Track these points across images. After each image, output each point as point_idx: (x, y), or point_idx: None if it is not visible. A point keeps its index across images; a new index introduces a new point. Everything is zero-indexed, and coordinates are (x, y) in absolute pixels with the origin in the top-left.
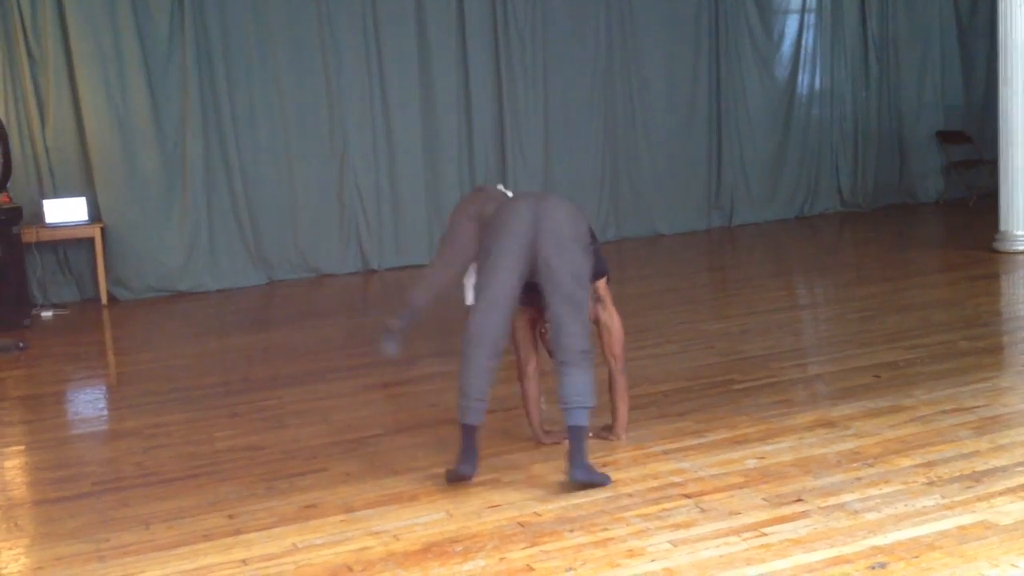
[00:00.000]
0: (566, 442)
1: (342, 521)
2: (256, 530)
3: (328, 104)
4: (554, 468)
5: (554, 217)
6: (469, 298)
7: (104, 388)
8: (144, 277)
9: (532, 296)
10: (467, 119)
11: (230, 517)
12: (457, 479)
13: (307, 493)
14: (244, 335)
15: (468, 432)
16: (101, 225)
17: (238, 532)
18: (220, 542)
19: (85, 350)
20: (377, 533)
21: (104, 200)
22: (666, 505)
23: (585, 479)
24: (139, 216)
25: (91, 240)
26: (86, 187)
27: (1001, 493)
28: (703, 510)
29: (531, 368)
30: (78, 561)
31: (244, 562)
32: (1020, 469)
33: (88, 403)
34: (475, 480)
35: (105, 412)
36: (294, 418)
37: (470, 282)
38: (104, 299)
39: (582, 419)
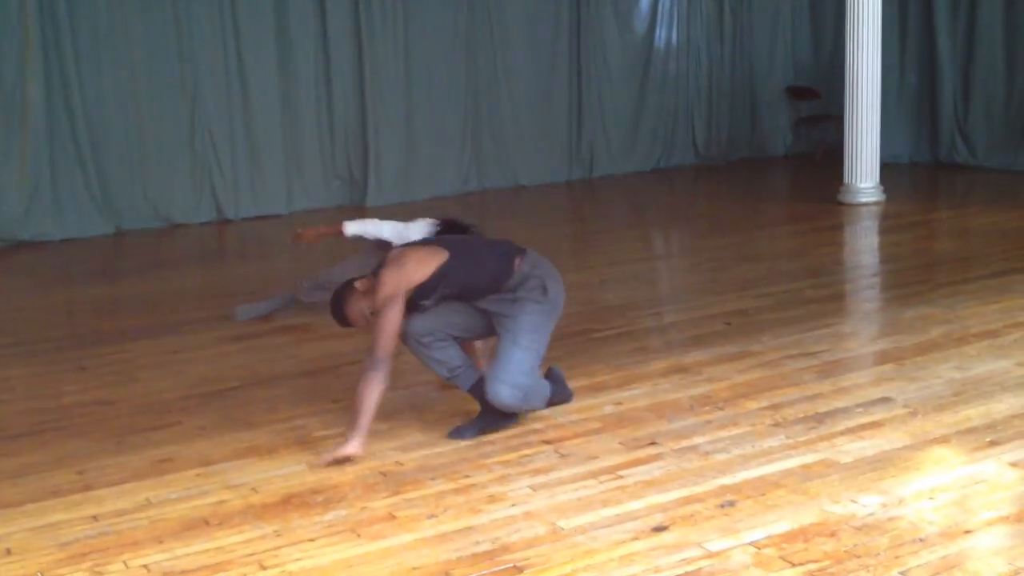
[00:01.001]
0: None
1: (198, 475)
2: (107, 486)
3: (177, 45)
4: (416, 417)
5: None
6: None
7: None
8: None
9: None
10: (325, 64)
11: (79, 473)
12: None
13: (160, 448)
14: (91, 287)
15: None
16: None
17: (88, 488)
18: (69, 499)
19: None
20: (235, 486)
21: None
22: (526, 451)
23: None
24: None
25: None
26: None
27: (842, 433)
28: (562, 455)
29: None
30: None
31: (95, 518)
32: (860, 410)
33: None
34: (336, 431)
35: None
36: (145, 372)
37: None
38: None
39: None
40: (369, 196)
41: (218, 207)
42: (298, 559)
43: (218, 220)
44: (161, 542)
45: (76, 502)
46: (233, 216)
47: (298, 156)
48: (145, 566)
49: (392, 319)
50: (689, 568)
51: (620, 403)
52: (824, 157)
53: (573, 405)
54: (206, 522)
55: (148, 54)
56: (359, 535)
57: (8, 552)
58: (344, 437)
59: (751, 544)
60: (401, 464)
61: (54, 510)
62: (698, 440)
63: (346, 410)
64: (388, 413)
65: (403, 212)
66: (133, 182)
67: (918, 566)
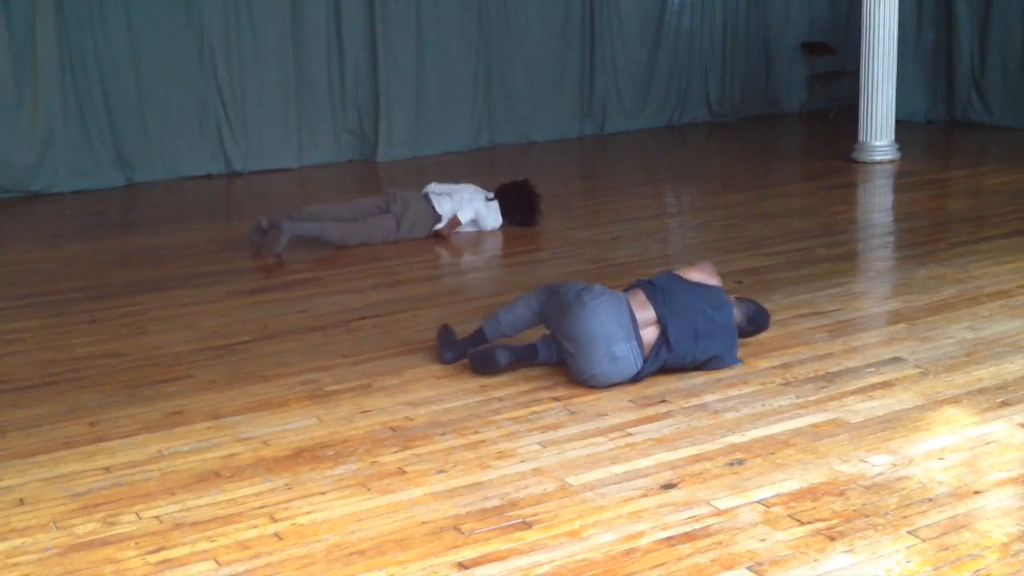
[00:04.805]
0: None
1: (209, 428)
2: (119, 437)
3: None
4: (426, 373)
5: None
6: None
7: None
8: None
9: None
10: (336, 18)
11: (91, 424)
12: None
13: (172, 400)
14: (102, 239)
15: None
16: None
17: (100, 439)
18: (81, 450)
19: None
20: (246, 439)
21: None
22: (536, 408)
23: None
24: None
25: None
26: None
27: (852, 393)
28: (571, 412)
29: None
30: None
31: (107, 469)
32: (870, 370)
33: None
34: (346, 386)
35: None
36: (156, 324)
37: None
38: None
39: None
40: (379, 151)
41: (227, 160)
42: (308, 512)
43: (228, 173)
44: (173, 494)
45: (88, 453)
46: (242, 169)
47: (306, 109)
48: (157, 517)
49: None
50: (697, 526)
51: None
52: (838, 114)
53: None
54: (217, 474)
55: (158, 4)
56: (369, 489)
57: (21, 502)
58: None
59: (760, 502)
60: (411, 419)
61: (67, 461)
62: (708, 398)
63: (355, 365)
64: (398, 369)
65: (413, 167)
66: (144, 135)
67: (927, 526)
